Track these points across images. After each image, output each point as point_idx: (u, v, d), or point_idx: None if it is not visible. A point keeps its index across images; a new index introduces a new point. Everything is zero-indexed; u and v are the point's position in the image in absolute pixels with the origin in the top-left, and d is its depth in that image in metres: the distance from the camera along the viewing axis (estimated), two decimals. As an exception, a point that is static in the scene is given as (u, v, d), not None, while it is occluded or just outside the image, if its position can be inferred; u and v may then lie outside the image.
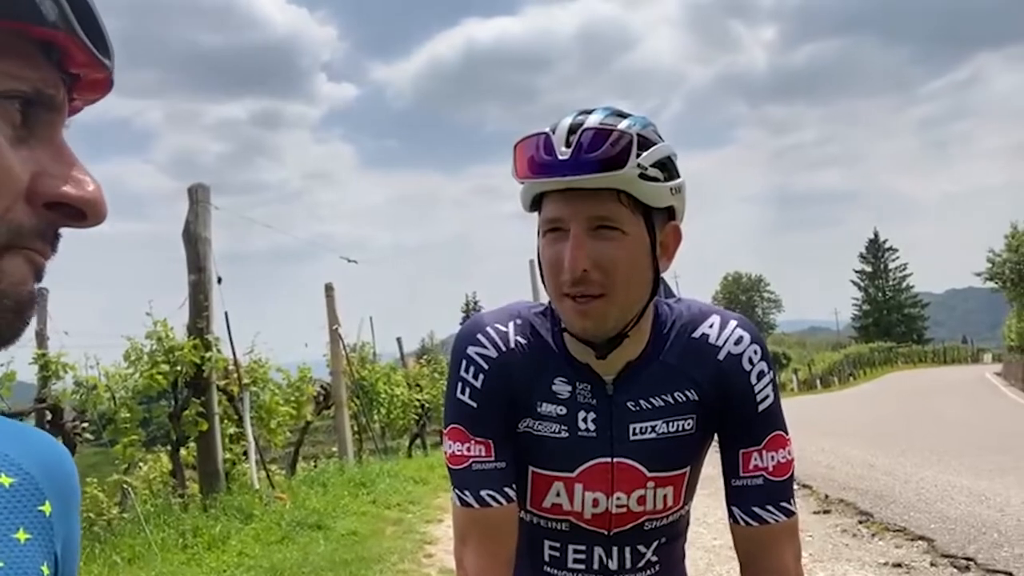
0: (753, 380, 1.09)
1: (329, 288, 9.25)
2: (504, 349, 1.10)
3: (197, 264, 6.43)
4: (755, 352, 1.10)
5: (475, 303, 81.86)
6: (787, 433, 1.11)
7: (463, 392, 1.10)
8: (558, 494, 1.12)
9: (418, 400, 11.97)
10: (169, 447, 6.94)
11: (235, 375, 6.91)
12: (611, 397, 1.10)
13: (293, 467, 9.31)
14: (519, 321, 1.13)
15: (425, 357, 14.70)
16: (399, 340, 14.34)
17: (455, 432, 1.10)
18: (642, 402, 1.09)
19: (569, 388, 1.10)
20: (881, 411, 18.97)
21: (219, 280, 6.60)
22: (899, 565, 4.50)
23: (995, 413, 17.30)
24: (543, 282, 1.07)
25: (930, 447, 9.84)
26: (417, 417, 12.06)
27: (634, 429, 1.09)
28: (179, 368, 6.10)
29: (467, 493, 1.07)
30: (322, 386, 9.41)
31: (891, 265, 71.11)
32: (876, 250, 71.81)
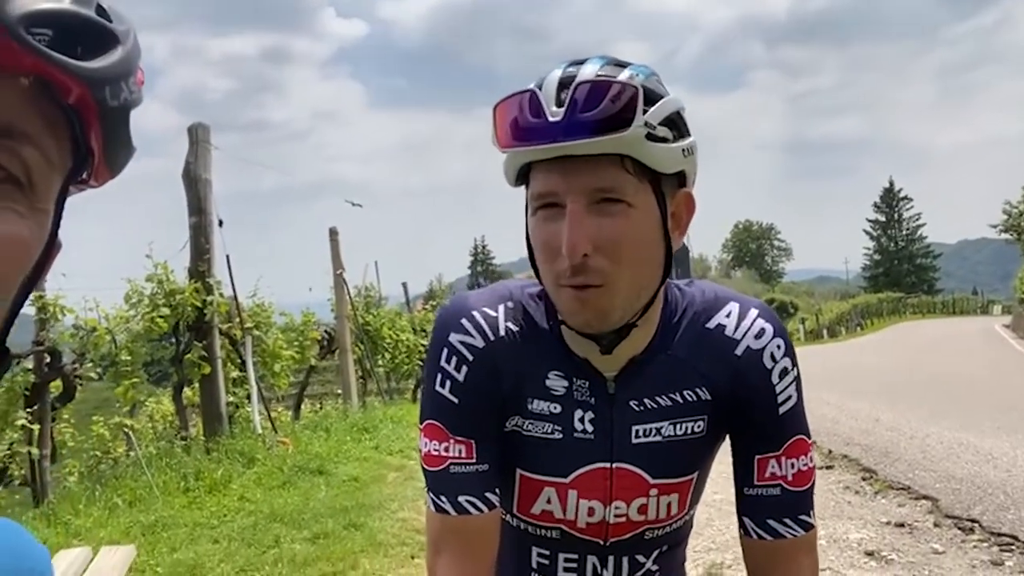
0: (775, 379, 0.95)
1: (333, 232, 9.14)
2: (492, 337, 0.95)
3: (197, 206, 6.32)
4: (778, 347, 0.96)
5: (483, 247, 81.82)
6: (809, 436, 0.98)
7: (443, 385, 0.95)
8: (549, 500, 0.99)
9: (423, 345, 11.96)
10: (171, 389, 6.97)
11: (237, 319, 6.87)
12: (612, 396, 0.96)
13: (297, 409, 9.37)
14: (510, 304, 0.97)
15: (432, 302, 14.65)
16: (404, 285, 14.28)
17: (432, 429, 0.96)
18: (647, 401, 0.96)
19: (565, 383, 0.96)
20: (888, 363, 18.92)
21: (220, 223, 6.50)
22: (901, 525, 4.46)
23: (1003, 367, 17.22)
24: (534, 268, 0.92)
25: (937, 402, 9.77)
26: (422, 363, 12.08)
27: (637, 431, 0.96)
28: (180, 311, 6.05)
29: (443, 498, 0.94)
30: (326, 330, 9.38)
31: (905, 215, 70.29)
32: (891, 199, 70.87)
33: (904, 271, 67.68)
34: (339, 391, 10.01)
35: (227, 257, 6.60)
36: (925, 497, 5.01)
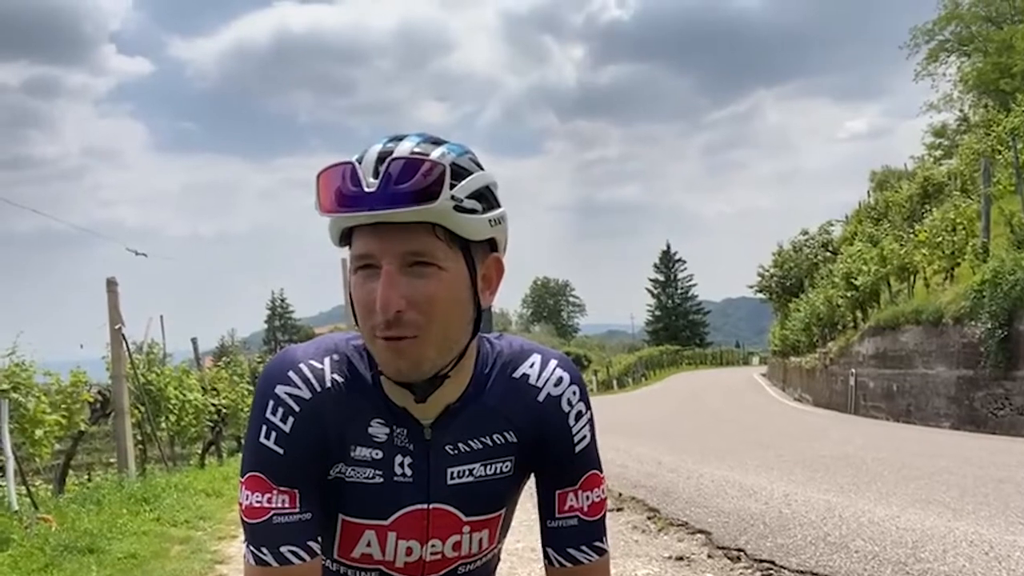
0: (571, 421, 1.08)
1: (112, 283, 8.35)
2: (319, 389, 1.00)
3: (-56, 252, 5.55)
4: (574, 393, 1.09)
5: (282, 300, 78.32)
6: (602, 471, 1.12)
7: (268, 437, 0.98)
8: (369, 543, 1.04)
9: (214, 405, 11.18)
10: (-100, 464, 5.92)
11: (-9, 380, 6.04)
12: (429, 441, 1.04)
13: (62, 482, 8.30)
14: (336, 357, 1.03)
15: (224, 359, 13.77)
16: (194, 341, 13.34)
17: (255, 481, 0.98)
18: (460, 445, 1.05)
19: (387, 431, 1.03)
20: (668, 410, 20.64)
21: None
22: (681, 558, 4.87)
23: (760, 410, 19.47)
24: (355, 322, 0.99)
25: (708, 444, 10.83)
26: (212, 424, 11.26)
27: (452, 473, 1.05)
28: (-84, 373, 5.22)
29: (264, 550, 0.96)
30: (100, 391, 8.48)
31: (680, 275, 77.78)
32: (668, 261, 78.16)
33: (680, 326, 74.49)
34: (110, 459, 9.01)
35: (-19, 310, 5.82)
36: (700, 531, 5.50)
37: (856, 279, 19.07)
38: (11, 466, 5.98)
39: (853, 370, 17.52)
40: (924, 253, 15.66)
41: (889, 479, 7.11)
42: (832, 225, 33.87)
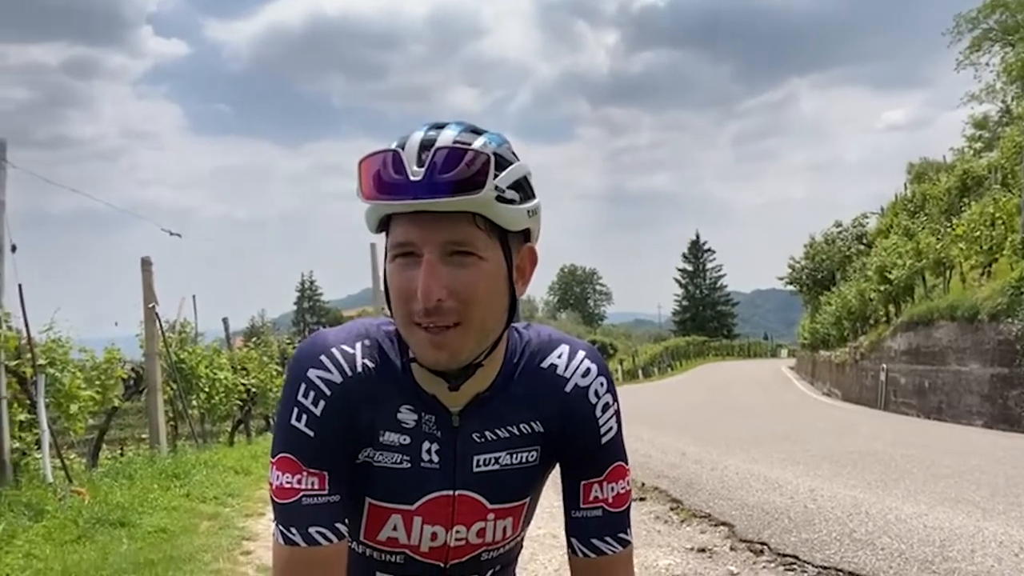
0: (598, 413, 1.08)
1: (146, 262, 8.51)
2: (350, 373, 1.01)
3: (-14, 229, 5.68)
4: (601, 384, 1.09)
5: (311, 283, 79.12)
6: (627, 463, 1.12)
7: (299, 419, 0.99)
8: (395, 527, 1.06)
9: (244, 384, 11.35)
10: (-58, 435, 6.10)
11: (28, 355, 6.19)
12: (456, 428, 1.05)
13: (95, 456, 8.51)
14: (367, 342, 1.04)
15: (254, 339, 13.96)
16: (225, 321, 13.50)
17: (285, 462, 0.99)
18: (488, 433, 1.06)
19: (415, 417, 1.04)
20: (693, 400, 20.50)
21: (13, 248, 5.90)
22: (703, 550, 4.86)
23: (788, 404, 19.26)
24: (388, 308, 0.99)
25: (733, 436, 10.74)
26: (241, 403, 11.44)
27: (478, 461, 1.06)
28: (-42, 346, 5.36)
29: (293, 531, 0.97)
30: (134, 368, 8.65)
31: (708, 265, 77.00)
32: (697, 251, 77.43)
33: (708, 317, 73.87)
34: (142, 435, 9.20)
35: (19, 287, 5.97)
36: (723, 523, 5.48)
37: (890, 273, 18.74)
38: (47, 439, 6.13)
39: (884, 365, 17.25)
40: (961, 247, 15.33)
41: (918, 476, 7.00)
42: (867, 217, 33.26)
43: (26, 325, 6.16)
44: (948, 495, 6.09)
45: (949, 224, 17.01)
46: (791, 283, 36.80)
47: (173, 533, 5.20)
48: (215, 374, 10.24)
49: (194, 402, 9.88)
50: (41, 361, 6.29)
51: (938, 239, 16.89)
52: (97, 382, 7.47)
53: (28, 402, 6.27)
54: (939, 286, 16.61)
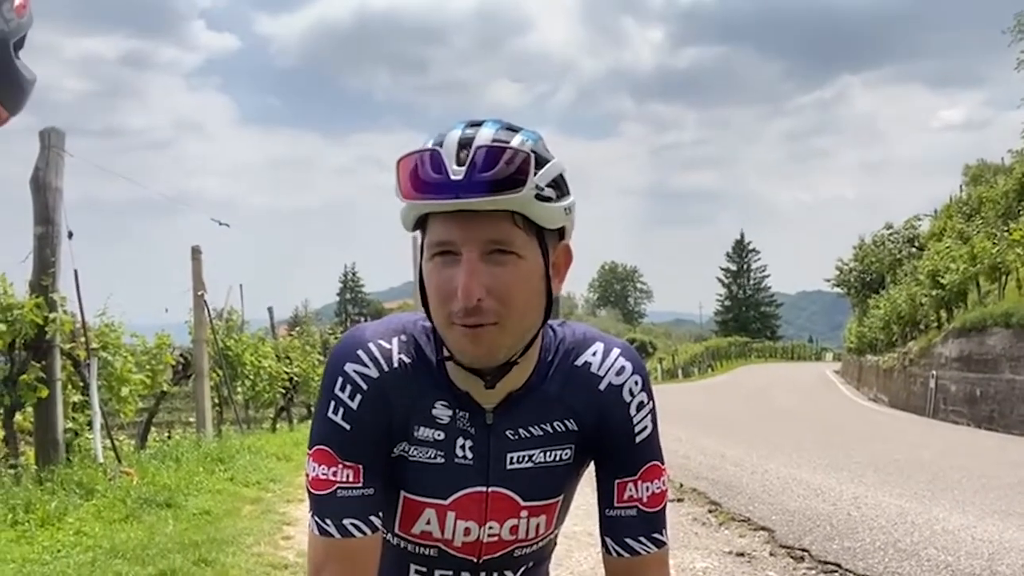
0: (633, 411, 1.07)
1: (196, 251, 8.71)
2: (386, 368, 1.02)
3: (45, 216, 5.87)
4: (636, 383, 1.08)
5: (354, 274, 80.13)
6: (663, 463, 1.11)
7: (336, 412, 1.00)
8: (429, 521, 1.06)
9: (287, 372, 11.55)
10: (1, 412, 6.35)
11: (82, 338, 6.40)
12: (490, 426, 1.05)
13: (144, 438, 8.77)
14: (403, 338, 1.05)
15: (297, 328, 14.20)
16: (270, 310, 13.78)
17: (322, 454, 1.01)
18: (521, 431, 1.05)
19: (450, 413, 1.04)
20: (734, 402, 20.23)
21: (70, 235, 6.08)
22: (741, 554, 4.79)
23: (832, 409, 18.87)
24: (424, 307, 1.00)
25: (775, 440, 10.57)
26: (284, 391, 11.65)
27: (511, 458, 1.05)
28: (18, 328, 5.57)
29: (328, 522, 0.99)
30: (182, 354, 8.88)
31: (753, 265, 75.82)
32: (741, 250, 76.29)
33: (751, 317, 72.74)
34: (189, 419, 9.45)
35: (75, 272, 6.16)
36: (763, 528, 5.40)
37: (943, 277, 18.18)
38: (98, 421, 6.33)
39: (934, 372, 16.77)
40: (1018, 253, 14.81)
41: (967, 487, 6.80)
42: (919, 219, 32.31)
43: (81, 310, 6.36)
44: (998, 507, 5.90)
45: (1006, 228, 16.44)
46: (838, 285, 36.01)
47: (217, 516, 5.32)
48: (260, 362, 10.45)
49: (239, 388, 10.10)
50: (94, 345, 6.49)
51: (994, 243, 16.34)
52: (147, 367, 7.69)
53: (81, 384, 6.48)
54: (994, 292, 16.10)
